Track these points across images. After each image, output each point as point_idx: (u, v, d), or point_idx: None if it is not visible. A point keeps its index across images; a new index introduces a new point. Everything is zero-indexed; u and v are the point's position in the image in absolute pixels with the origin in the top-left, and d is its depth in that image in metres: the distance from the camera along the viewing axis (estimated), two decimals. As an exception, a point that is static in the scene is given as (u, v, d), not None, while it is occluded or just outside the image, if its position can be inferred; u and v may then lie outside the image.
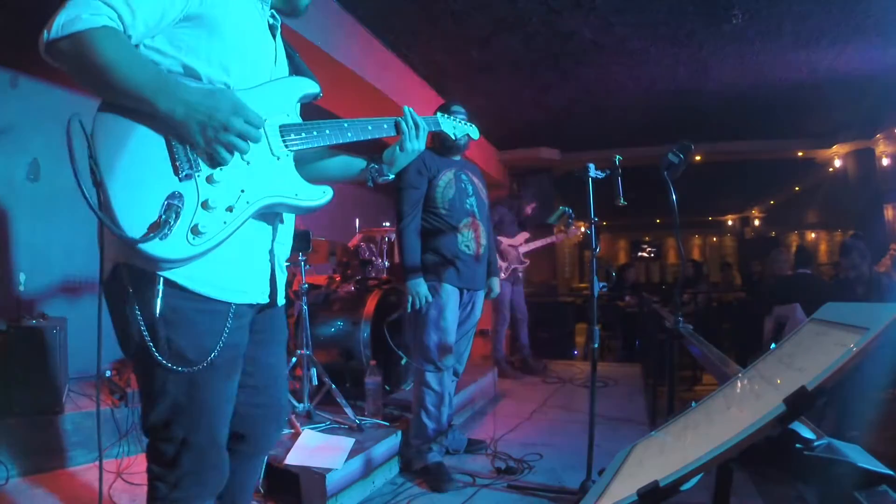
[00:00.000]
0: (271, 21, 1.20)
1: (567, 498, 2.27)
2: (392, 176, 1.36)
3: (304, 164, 1.31)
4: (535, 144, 7.53)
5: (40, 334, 2.55)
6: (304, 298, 2.93)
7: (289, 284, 3.59)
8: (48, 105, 3.20)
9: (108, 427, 2.62)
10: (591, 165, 2.33)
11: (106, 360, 3.04)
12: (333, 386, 2.77)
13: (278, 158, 1.08)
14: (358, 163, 1.36)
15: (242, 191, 1.00)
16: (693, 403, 0.98)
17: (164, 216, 0.89)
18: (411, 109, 1.33)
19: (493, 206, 4.58)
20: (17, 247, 3.14)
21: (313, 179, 1.33)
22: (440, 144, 2.60)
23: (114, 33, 0.90)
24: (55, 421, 2.50)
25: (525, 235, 4.70)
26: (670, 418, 1.00)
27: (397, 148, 1.32)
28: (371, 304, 3.16)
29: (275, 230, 1.17)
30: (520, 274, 4.76)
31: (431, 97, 5.26)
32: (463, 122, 1.54)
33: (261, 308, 1.18)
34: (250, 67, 1.09)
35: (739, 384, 0.92)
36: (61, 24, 0.87)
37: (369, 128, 1.25)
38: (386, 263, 4.07)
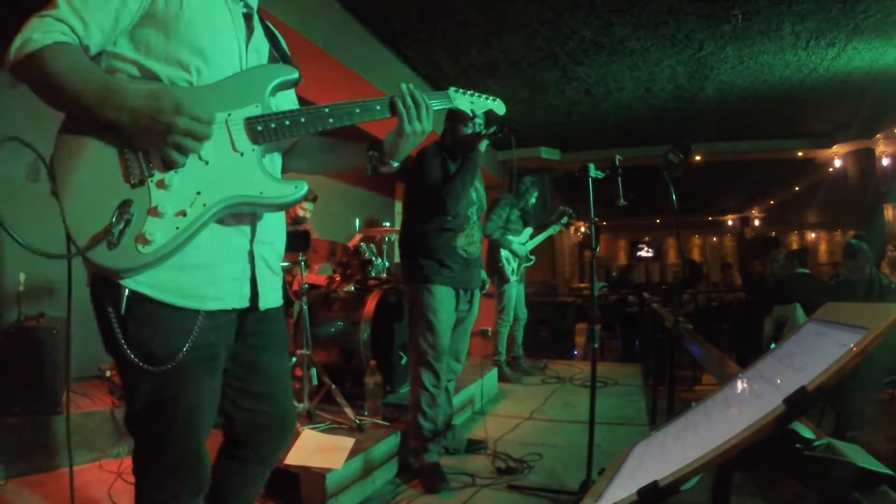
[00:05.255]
0: (245, 10, 1.14)
1: (567, 498, 2.27)
2: (396, 164, 1.22)
3: (294, 153, 1.26)
4: (535, 144, 7.54)
5: (40, 334, 2.55)
6: (304, 298, 2.93)
7: (289, 284, 3.60)
8: (52, 107, 3.19)
9: (108, 427, 2.62)
10: (591, 165, 2.33)
11: (108, 360, 3.05)
12: (333, 386, 2.77)
13: (242, 154, 1.01)
14: (356, 150, 1.24)
15: (198, 193, 0.96)
16: (693, 403, 0.98)
17: (111, 221, 0.89)
18: (410, 85, 1.18)
19: (496, 206, 4.51)
20: (18, 247, 3.14)
21: (304, 169, 1.28)
22: (455, 149, 2.54)
23: (64, 49, 0.90)
24: (55, 421, 2.50)
25: (528, 231, 4.65)
26: (670, 418, 1.00)
27: (395, 133, 1.18)
28: (371, 304, 3.16)
29: (253, 230, 1.10)
30: (523, 271, 4.73)
31: (431, 97, 5.26)
32: (483, 96, 1.34)
33: (246, 311, 1.12)
34: (214, 61, 1.03)
35: (739, 384, 0.92)
36: (16, 48, 0.90)
37: (357, 111, 1.13)
38: (386, 263, 4.07)
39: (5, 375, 2.46)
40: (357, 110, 1.13)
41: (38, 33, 0.90)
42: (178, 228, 0.93)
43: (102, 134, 0.93)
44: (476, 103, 1.33)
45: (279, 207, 1.08)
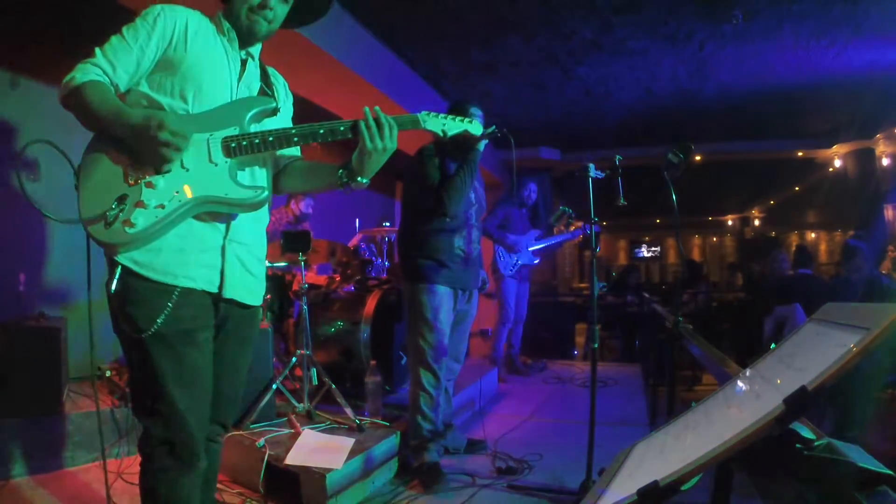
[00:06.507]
0: (244, 56, 1.41)
1: (567, 498, 2.27)
2: (366, 181, 1.38)
3: (286, 176, 1.51)
4: (535, 144, 7.54)
5: (40, 334, 2.55)
6: (304, 298, 2.93)
7: (289, 284, 3.60)
8: (48, 105, 3.19)
9: (108, 427, 2.62)
10: (592, 165, 2.33)
11: (108, 360, 3.05)
12: (333, 386, 2.77)
13: (216, 165, 1.27)
14: (330, 169, 1.42)
15: (176, 192, 1.23)
16: (693, 403, 0.98)
17: (109, 208, 1.18)
18: (377, 108, 1.33)
19: (496, 207, 4.47)
20: (17, 247, 3.14)
21: (295, 189, 1.55)
22: (454, 148, 2.51)
23: (96, 85, 1.21)
24: (55, 421, 2.50)
25: (536, 233, 4.58)
26: (670, 418, 1.00)
27: (359, 150, 1.34)
28: (371, 304, 3.16)
29: (227, 229, 1.32)
30: (525, 269, 4.65)
31: (431, 97, 5.26)
32: (460, 119, 1.44)
33: (218, 299, 1.32)
34: (207, 94, 1.30)
35: (739, 384, 0.92)
36: (65, 83, 1.21)
37: (321, 131, 1.33)
38: (386, 263, 4.08)
39: (6, 375, 2.46)
40: (321, 130, 1.33)
41: (80, 74, 1.21)
42: (157, 217, 1.20)
43: (115, 150, 1.23)
44: (448, 125, 1.42)
45: (242, 207, 1.30)
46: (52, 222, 3.21)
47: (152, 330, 1.20)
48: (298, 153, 1.56)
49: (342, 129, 1.32)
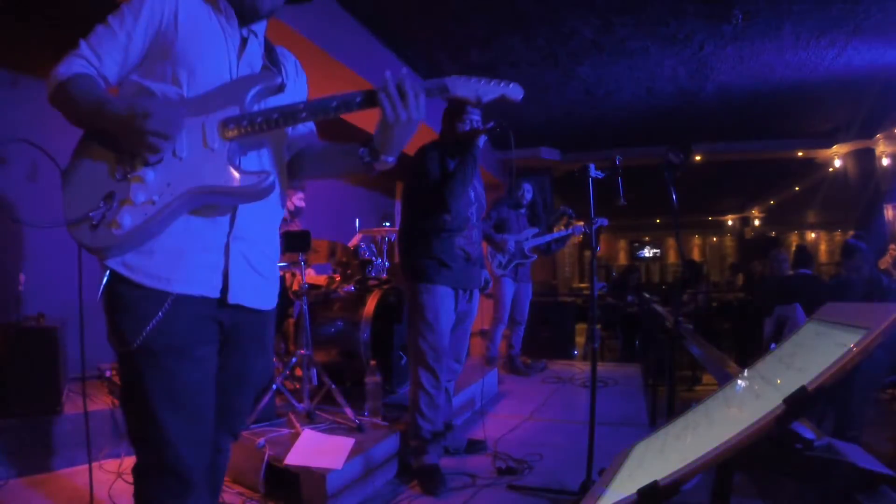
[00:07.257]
0: (245, 34, 1.26)
1: (567, 498, 2.27)
2: (391, 160, 1.22)
3: (302, 161, 1.37)
4: (535, 144, 7.54)
5: (40, 334, 2.55)
6: (304, 298, 2.93)
7: (289, 284, 3.60)
8: (48, 105, 3.19)
9: (108, 427, 2.62)
10: (592, 165, 2.33)
11: (107, 360, 3.05)
12: (333, 386, 2.77)
13: (213, 150, 1.13)
14: (351, 149, 1.26)
15: (168, 184, 1.09)
16: (693, 404, 0.98)
17: (95, 209, 1.07)
18: (397, 74, 1.15)
19: (490, 210, 4.45)
20: (17, 247, 3.14)
21: (309, 175, 1.41)
22: (454, 145, 2.51)
23: (81, 78, 1.12)
24: (55, 421, 2.50)
25: (533, 231, 4.57)
26: (670, 418, 1.00)
27: (380, 124, 1.17)
28: (371, 304, 3.16)
29: (231, 225, 1.17)
30: (524, 269, 4.63)
31: (431, 97, 5.26)
32: (493, 81, 1.21)
33: (223, 306, 1.17)
34: (202, 76, 1.17)
35: (739, 384, 0.92)
36: (50, 80, 1.13)
37: (333, 104, 1.15)
38: (386, 263, 4.07)
39: (5, 375, 2.46)
40: (333, 104, 1.15)
41: (64, 68, 1.12)
42: (146, 214, 1.07)
43: (101, 146, 1.12)
44: (482, 89, 1.20)
45: (245, 196, 1.15)
46: (48, 214, 3.21)
47: (138, 342, 1.07)
48: (313, 135, 1.42)
49: (358, 100, 1.14)
